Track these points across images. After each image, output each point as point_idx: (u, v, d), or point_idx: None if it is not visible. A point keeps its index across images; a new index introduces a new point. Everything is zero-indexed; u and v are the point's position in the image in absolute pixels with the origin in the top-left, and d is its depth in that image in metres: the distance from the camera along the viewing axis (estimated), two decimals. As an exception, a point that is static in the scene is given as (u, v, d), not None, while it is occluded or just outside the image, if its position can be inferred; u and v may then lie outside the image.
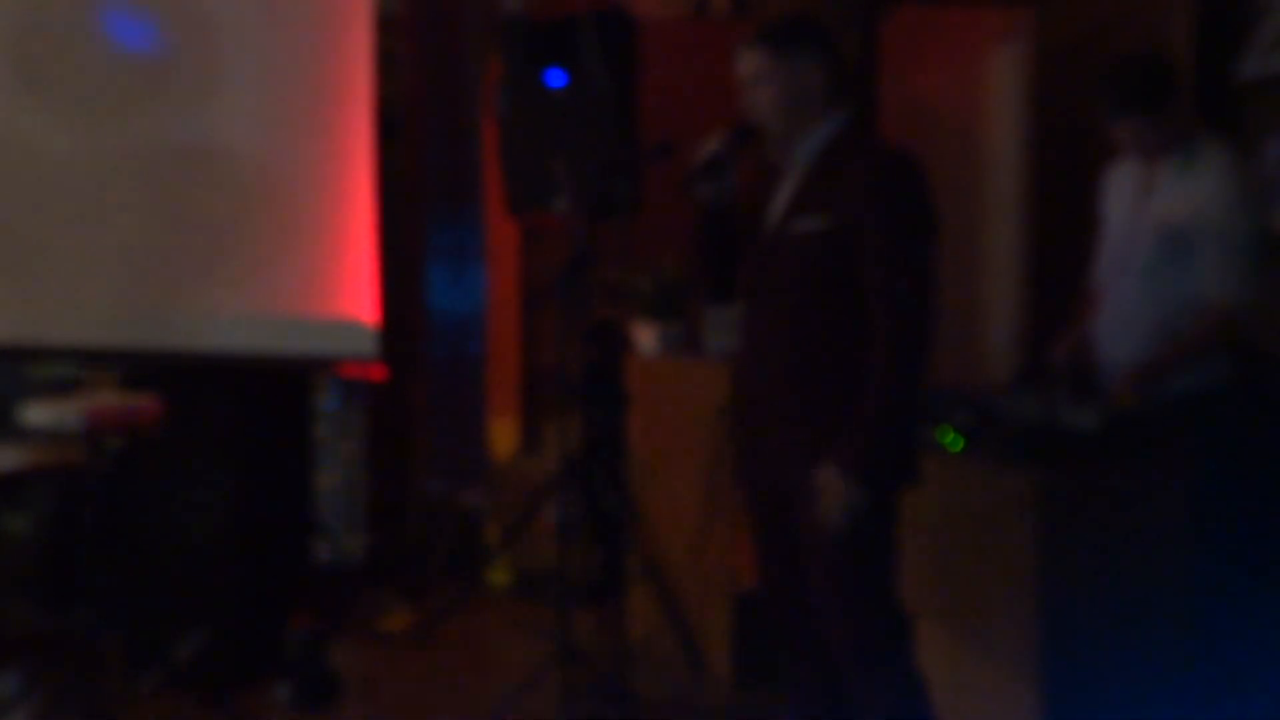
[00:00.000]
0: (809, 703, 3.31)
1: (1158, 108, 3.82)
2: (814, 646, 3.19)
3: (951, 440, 3.53)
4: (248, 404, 5.19)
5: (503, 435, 5.92)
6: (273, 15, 5.19)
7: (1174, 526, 3.60)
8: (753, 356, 3.19)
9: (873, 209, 2.94)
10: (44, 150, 5.35)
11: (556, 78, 5.07)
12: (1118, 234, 4.02)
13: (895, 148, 3.10)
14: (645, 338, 4.81)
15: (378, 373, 5.60)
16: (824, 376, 3.01)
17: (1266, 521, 3.80)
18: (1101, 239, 4.11)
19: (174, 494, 5.07)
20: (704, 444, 4.36)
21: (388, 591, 5.78)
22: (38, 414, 4.68)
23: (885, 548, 3.02)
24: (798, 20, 3.23)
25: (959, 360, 3.45)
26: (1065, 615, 3.43)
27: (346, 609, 5.47)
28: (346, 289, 5.09)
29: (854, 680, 3.08)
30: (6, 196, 5.38)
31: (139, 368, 5.28)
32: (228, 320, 5.17)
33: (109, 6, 5.25)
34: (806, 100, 3.07)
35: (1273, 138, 4.48)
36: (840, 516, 2.89)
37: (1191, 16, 4.66)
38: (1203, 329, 3.77)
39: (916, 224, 2.98)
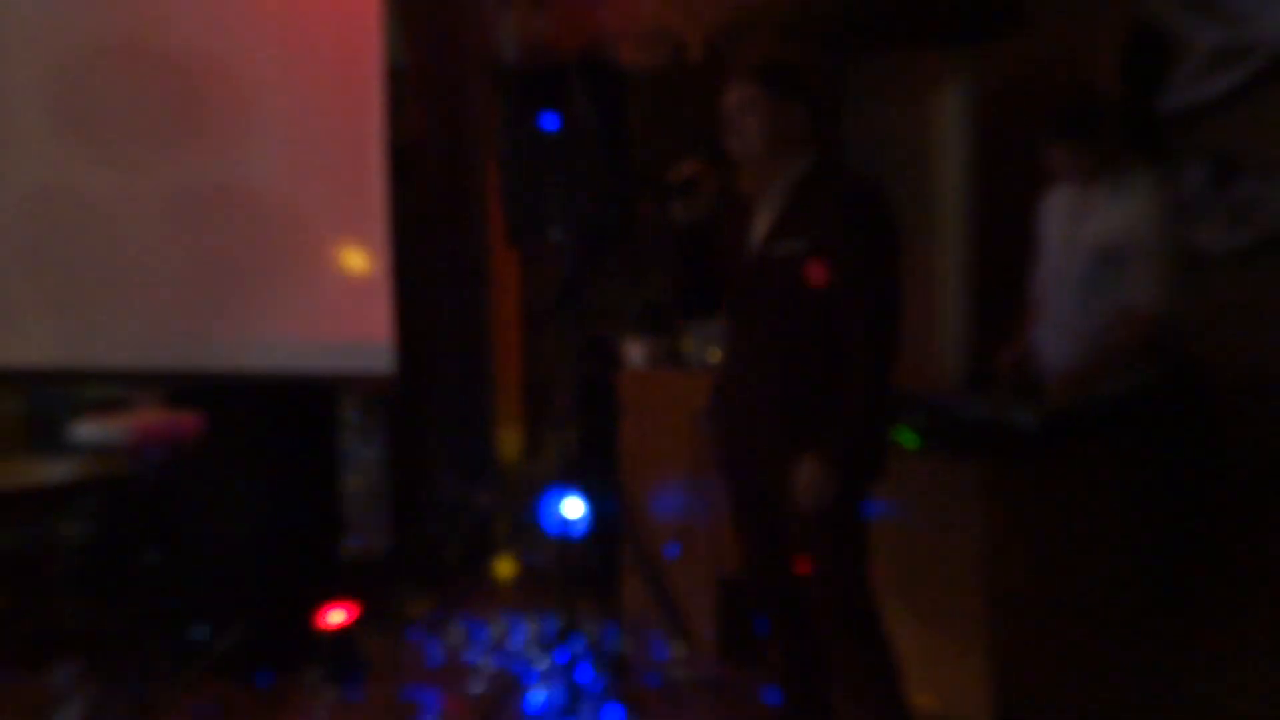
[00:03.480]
0: (789, 670, 3.36)
1: (1089, 132, 3.88)
2: (793, 617, 3.24)
3: (908, 439, 3.60)
4: (279, 417, 5.21)
5: (508, 441, 5.92)
6: (294, 68, 5.17)
7: (1108, 511, 3.67)
8: (738, 365, 3.23)
9: (849, 234, 2.98)
10: (90, 193, 5.32)
11: (550, 121, 5.09)
12: (1055, 253, 4.06)
13: (867, 180, 3.14)
14: (634, 353, 4.84)
15: (394, 387, 5.65)
16: (803, 381, 3.05)
17: (1184, 495, 3.87)
18: (1040, 257, 4.15)
19: (213, 499, 5.08)
20: (688, 445, 4.43)
21: (409, 582, 5.77)
22: (87, 430, 4.65)
23: (859, 528, 3.05)
24: (789, 64, 3.25)
25: (912, 366, 3.52)
26: (1012, 591, 3.49)
27: (372, 598, 5.38)
28: (364, 312, 5.08)
29: (831, 642, 3.12)
30: (58, 236, 5.36)
31: (180, 387, 5.28)
32: (259, 342, 5.18)
33: (146, 64, 5.27)
34: (788, 136, 3.11)
35: (1193, 162, 4.54)
36: (819, 500, 2.94)
37: (1119, 53, 4.67)
38: (1133, 336, 3.81)
39: (887, 247, 3.01)
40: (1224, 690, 3.60)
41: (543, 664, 4.35)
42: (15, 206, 5.47)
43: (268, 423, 5.21)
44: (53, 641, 5.57)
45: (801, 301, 3.05)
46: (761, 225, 3.17)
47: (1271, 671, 3.63)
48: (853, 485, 3.02)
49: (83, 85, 5.35)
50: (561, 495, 4.39)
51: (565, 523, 4.21)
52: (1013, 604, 3.51)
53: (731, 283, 3.26)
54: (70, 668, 5.04)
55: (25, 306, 5.46)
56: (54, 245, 5.43)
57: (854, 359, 2.97)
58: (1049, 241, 4.13)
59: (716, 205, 3.25)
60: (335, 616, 4.91)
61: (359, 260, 5.15)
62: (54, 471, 6.03)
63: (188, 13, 5.32)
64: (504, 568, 5.61)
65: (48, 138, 5.39)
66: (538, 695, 4.15)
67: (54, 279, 5.44)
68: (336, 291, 5.20)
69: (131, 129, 5.32)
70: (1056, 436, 3.57)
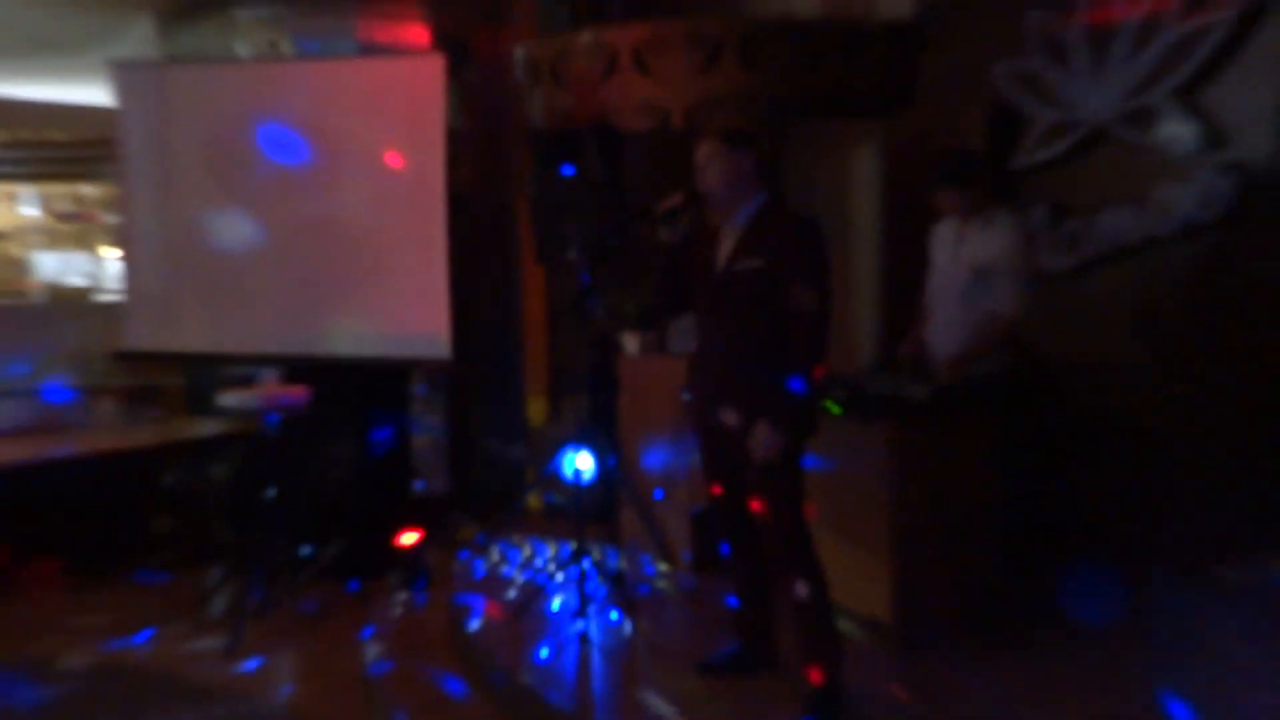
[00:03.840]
0: (745, 581, 3.38)
1: (966, 183, 3.92)
2: (748, 542, 3.27)
3: (833, 408, 3.63)
4: (366, 391, 5.24)
5: (536, 410, 5.90)
6: (378, 132, 5.20)
7: (975, 458, 3.67)
8: (708, 351, 3.24)
9: (794, 254, 3.01)
10: (231, 227, 5.38)
11: (568, 170, 5.12)
12: (941, 270, 4.08)
13: (806, 214, 3.18)
14: (631, 344, 4.81)
15: (451, 369, 5.65)
16: (757, 363, 3.06)
17: (1032, 449, 3.90)
18: (930, 273, 4.16)
19: (319, 451, 5.12)
20: (670, 413, 4.43)
21: (461, 514, 5.74)
22: (229, 399, 4.70)
23: (798, 474, 3.09)
24: (741, 128, 3.32)
25: (835, 354, 3.53)
26: (906, 518, 3.52)
27: (433, 526, 5.47)
28: (428, 313, 5.11)
29: (777, 559, 3.16)
30: (209, 259, 5.44)
31: (294, 367, 5.28)
32: (352, 335, 5.21)
33: (270, 130, 5.32)
34: (742, 179, 3.13)
35: (1036, 206, 4.57)
36: (768, 453, 2.98)
37: (984, 126, 4.69)
38: (997, 333, 3.84)
39: (821, 264, 3.04)
40: (1054, 585, 3.64)
41: (560, 577, 4.35)
42: (179, 235, 5.55)
43: (358, 395, 5.24)
44: (206, 552, 5.64)
45: (756, 305, 3.07)
46: (726, 247, 3.18)
47: (1085, 570, 3.67)
48: (793, 442, 3.05)
49: (225, 147, 5.41)
50: (575, 451, 4.39)
51: (578, 472, 4.22)
52: (907, 527, 3.54)
53: (701, 290, 3.25)
54: (218, 571, 5.12)
55: (186, 307, 5.53)
56: (206, 263, 5.48)
57: (795, 348, 3.00)
58: (937, 262, 4.13)
59: (691, 231, 3.25)
60: (407, 539, 4.94)
61: (425, 274, 5.17)
62: (205, 428, 6.07)
63: (301, 93, 5.39)
64: (532, 504, 5.60)
65: (202, 185, 5.47)
66: (556, 601, 4.16)
67: (205, 288, 5.49)
68: (407, 297, 5.22)
69: (259, 178, 5.37)
70: (940, 405, 3.59)
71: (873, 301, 5.57)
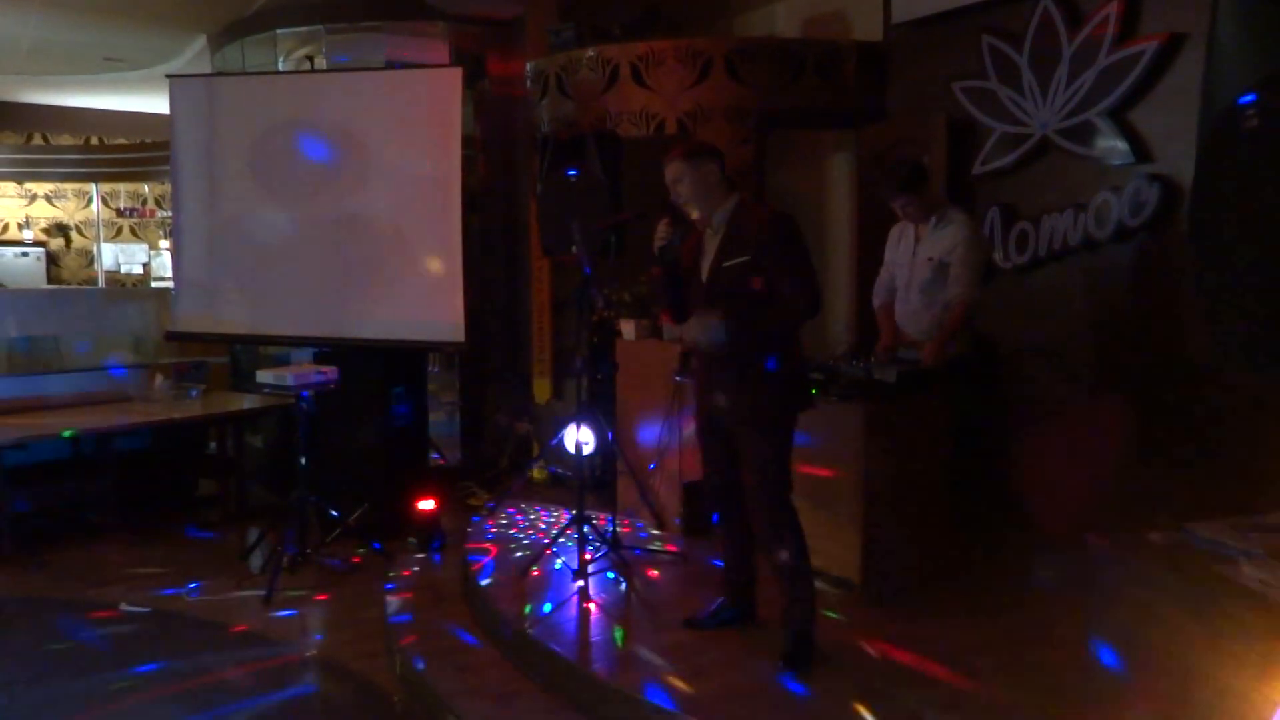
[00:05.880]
0: (730, 545, 3.34)
1: (916, 189, 3.91)
2: (735, 511, 3.21)
3: (810, 389, 3.58)
4: (389, 371, 5.18)
5: (541, 389, 5.89)
6: (402, 137, 5.18)
7: (935, 435, 3.65)
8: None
9: (775, 245, 2.95)
10: (269, 221, 5.39)
11: (572, 172, 5.08)
12: (904, 266, 4.06)
13: (777, 208, 3.12)
14: (627, 329, 4.75)
15: (465, 351, 5.61)
16: (746, 351, 3.01)
17: (983, 425, 3.86)
18: (883, 270, 4.17)
19: (346, 424, 5.10)
20: (662, 392, 4.38)
21: (473, 483, 5.76)
22: (265, 376, 4.70)
23: (788, 445, 3.05)
24: (700, 142, 3.27)
25: (814, 341, 3.47)
26: (875, 489, 3.48)
27: (449, 493, 5.44)
28: (445, 301, 5.09)
29: (762, 525, 3.09)
30: (249, 250, 5.44)
31: (324, 349, 5.27)
32: (375, 319, 5.18)
33: (305, 135, 5.27)
34: (710, 187, 3.06)
35: (991, 209, 4.53)
36: (777, 420, 3.00)
37: (945, 138, 4.68)
38: (956, 318, 3.83)
39: (802, 247, 2.98)
40: (1001, 548, 3.61)
41: (562, 539, 4.29)
42: (221, 229, 5.55)
43: (381, 374, 5.18)
44: (246, 512, 5.72)
45: (744, 296, 3.00)
46: (711, 248, 3.12)
47: (1028, 534, 3.68)
48: (790, 414, 3.03)
49: (264, 149, 5.39)
50: (576, 426, 4.33)
51: (579, 444, 4.15)
52: (876, 497, 3.50)
53: (695, 291, 3.18)
54: (256, 529, 5.17)
55: (227, 294, 5.53)
56: (246, 254, 5.48)
57: (789, 325, 3.00)
58: (896, 260, 4.14)
59: (683, 243, 3.17)
60: (424, 504, 4.89)
61: (442, 265, 5.15)
62: (246, 402, 6.08)
63: (332, 102, 5.36)
64: (537, 474, 5.57)
65: (242, 183, 5.46)
66: (558, 561, 4.10)
67: (246, 276, 5.49)
68: (426, 286, 5.18)
69: (294, 177, 5.35)
70: (906, 388, 3.54)
71: (847, 293, 5.55)
